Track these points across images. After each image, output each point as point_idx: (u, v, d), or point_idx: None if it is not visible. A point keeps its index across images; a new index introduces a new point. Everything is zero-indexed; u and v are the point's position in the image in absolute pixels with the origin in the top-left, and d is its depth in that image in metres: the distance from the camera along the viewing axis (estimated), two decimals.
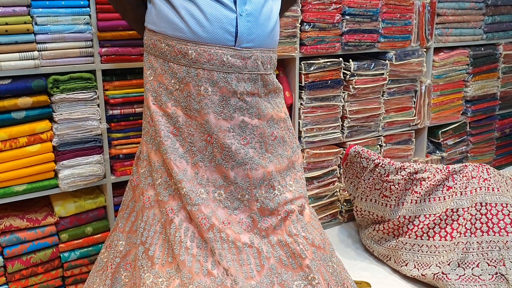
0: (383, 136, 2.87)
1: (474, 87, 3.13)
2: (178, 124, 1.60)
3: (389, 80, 2.77)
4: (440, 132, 3.09)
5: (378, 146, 2.88)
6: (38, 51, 1.88)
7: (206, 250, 1.59)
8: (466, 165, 2.34)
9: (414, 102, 2.93)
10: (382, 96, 2.79)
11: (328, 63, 2.55)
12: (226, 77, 1.55)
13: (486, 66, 3.15)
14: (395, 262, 2.36)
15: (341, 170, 2.66)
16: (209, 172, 1.63)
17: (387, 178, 2.36)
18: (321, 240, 1.67)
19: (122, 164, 2.15)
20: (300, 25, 2.44)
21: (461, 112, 3.16)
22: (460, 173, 2.33)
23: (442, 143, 3.11)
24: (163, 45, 1.56)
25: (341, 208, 2.82)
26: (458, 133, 3.18)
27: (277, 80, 1.71)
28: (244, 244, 1.60)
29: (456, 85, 3.09)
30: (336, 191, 2.77)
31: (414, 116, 2.95)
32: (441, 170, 2.35)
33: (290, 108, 2.55)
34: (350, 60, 2.62)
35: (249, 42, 1.55)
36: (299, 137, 2.59)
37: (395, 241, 2.38)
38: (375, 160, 2.37)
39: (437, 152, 3.14)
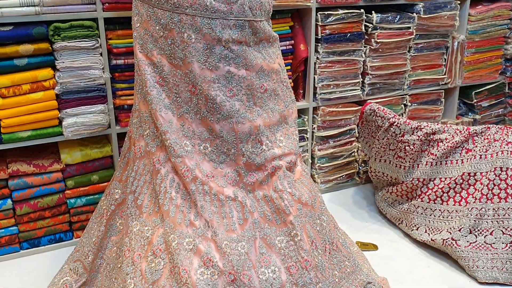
0: (409, 95, 2.71)
1: None
2: (163, 73, 1.56)
3: (416, 34, 2.59)
4: (473, 92, 2.88)
5: (403, 105, 2.73)
6: None
7: (189, 202, 1.58)
8: (488, 127, 2.17)
9: (445, 59, 2.74)
10: (409, 52, 2.62)
11: (348, 15, 2.41)
12: (210, 23, 1.48)
13: None
14: (406, 225, 2.27)
15: (358, 129, 2.56)
16: (194, 125, 1.59)
17: (402, 138, 2.24)
18: (309, 198, 1.61)
19: (127, 115, 2.15)
20: None
21: (499, 72, 2.93)
22: (482, 135, 2.17)
23: (475, 104, 2.91)
24: None
25: (359, 169, 2.73)
26: (495, 94, 2.96)
27: (270, 28, 1.62)
28: (227, 198, 1.58)
29: (495, 42, 2.85)
30: (354, 151, 2.67)
31: (444, 74, 2.76)
32: (460, 131, 2.20)
33: (305, 62, 2.45)
34: (373, 11, 2.46)
35: None
36: (314, 94, 2.50)
37: (407, 204, 2.28)
38: (390, 118, 2.25)
39: (470, 114, 2.95)
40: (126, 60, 2.07)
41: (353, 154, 2.68)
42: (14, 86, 1.91)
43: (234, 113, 1.56)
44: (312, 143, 2.57)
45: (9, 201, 2.05)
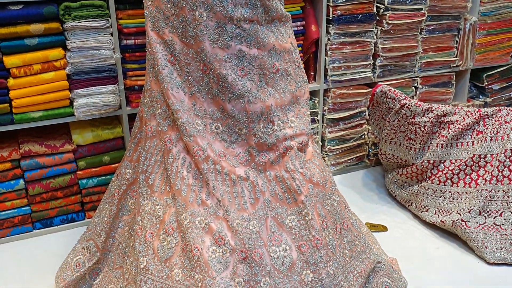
0: (420, 77, 2.70)
1: None
2: (175, 52, 1.56)
3: (428, 16, 2.56)
4: (485, 75, 2.85)
5: (414, 88, 2.71)
6: None
7: (201, 181, 1.59)
8: (499, 109, 2.16)
9: (457, 41, 2.71)
10: (420, 33, 2.60)
11: None
12: (222, 1, 1.47)
13: None
14: (416, 207, 2.27)
15: (369, 111, 2.54)
16: (206, 104, 1.59)
17: (412, 120, 2.23)
18: (320, 178, 1.61)
19: (138, 95, 2.16)
20: None
21: (511, 55, 2.90)
22: (493, 117, 2.16)
23: (486, 87, 2.88)
24: None
25: (369, 151, 2.72)
26: (506, 77, 2.93)
27: (282, 7, 1.61)
28: (239, 177, 1.58)
29: (508, 24, 2.81)
30: (364, 133, 2.67)
31: (456, 56, 2.73)
32: (471, 113, 2.19)
33: (316, 43, 2.44)
34: None
35: None
36: (325, 75, 2.48)
37: (417, 186, 2.28)
38: (401, 100, 2.24)
39: (481, 97, 2.93)
40: (136, 40, 2.07)
41: (363, 136, 2.67)
42: (25, 66, 1.91)
43: (245, 92, 1.55)
44: (322, 125, 2.57)
45: (21, 181, 2.07)
